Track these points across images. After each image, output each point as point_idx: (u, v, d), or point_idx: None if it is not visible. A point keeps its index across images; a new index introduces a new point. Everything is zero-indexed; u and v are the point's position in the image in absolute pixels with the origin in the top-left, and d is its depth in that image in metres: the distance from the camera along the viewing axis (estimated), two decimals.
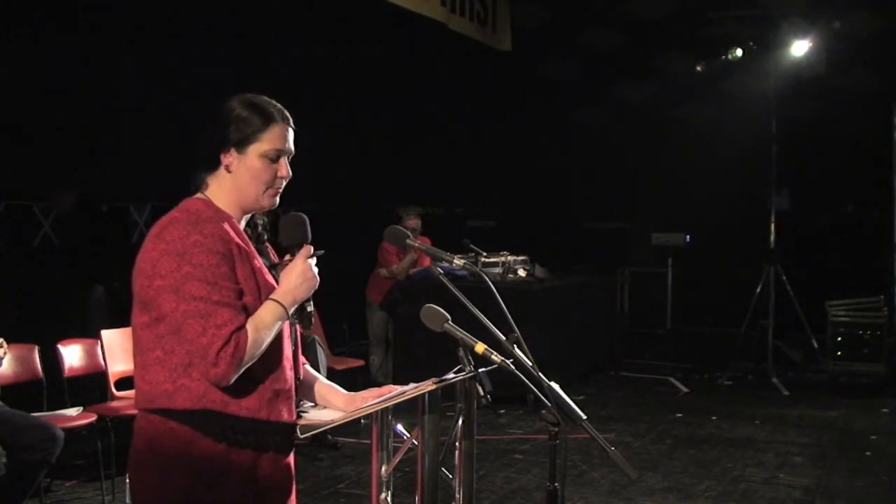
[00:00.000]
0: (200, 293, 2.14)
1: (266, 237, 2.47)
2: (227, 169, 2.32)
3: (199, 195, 2.34)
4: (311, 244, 2.36)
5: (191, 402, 2.18)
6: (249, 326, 2.17)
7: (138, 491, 2.26)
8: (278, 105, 2.38)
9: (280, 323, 2.26)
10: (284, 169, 2.36)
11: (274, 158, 2.33)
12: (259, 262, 2.34)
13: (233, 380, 2.16)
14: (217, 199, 2.33)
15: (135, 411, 2.30)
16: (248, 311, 2.21)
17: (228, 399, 2.20)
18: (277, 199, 2.38)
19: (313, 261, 2.34)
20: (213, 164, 2.33)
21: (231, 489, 2.21)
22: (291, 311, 2.29)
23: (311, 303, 2.37)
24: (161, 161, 5.49)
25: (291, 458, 2.39)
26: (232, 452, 2.21)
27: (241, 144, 2.30)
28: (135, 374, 2.29)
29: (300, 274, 2.30)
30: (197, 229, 2.19)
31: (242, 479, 2.23)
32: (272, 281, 2.32)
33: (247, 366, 2.18)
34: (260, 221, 2.45)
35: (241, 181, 2.31)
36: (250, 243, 2.36)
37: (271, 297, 2.27)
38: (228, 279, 2.19)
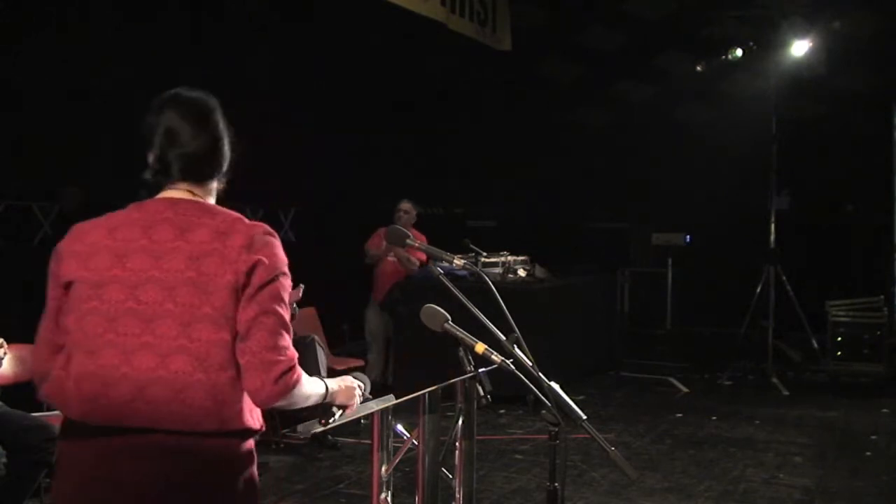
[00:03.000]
0: (282, 310, 2.13)
1: None
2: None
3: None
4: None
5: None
6: (303, 373, 2.15)
7: None
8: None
9: (317, 396, 2.25)
10: None
11: None
12: None
13: (278, 404, 2.12)
14: None
15: None
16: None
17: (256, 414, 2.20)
18: None
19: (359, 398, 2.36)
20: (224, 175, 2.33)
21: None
22: (323, 399, 2.28)
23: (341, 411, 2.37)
24: None
25: None
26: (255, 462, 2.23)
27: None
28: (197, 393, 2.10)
29: (347, 391, 2.32)
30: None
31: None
32: None
33: (286, 403, 2.14)
34: None
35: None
36: None
37: (327, 379, 2.30)
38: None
